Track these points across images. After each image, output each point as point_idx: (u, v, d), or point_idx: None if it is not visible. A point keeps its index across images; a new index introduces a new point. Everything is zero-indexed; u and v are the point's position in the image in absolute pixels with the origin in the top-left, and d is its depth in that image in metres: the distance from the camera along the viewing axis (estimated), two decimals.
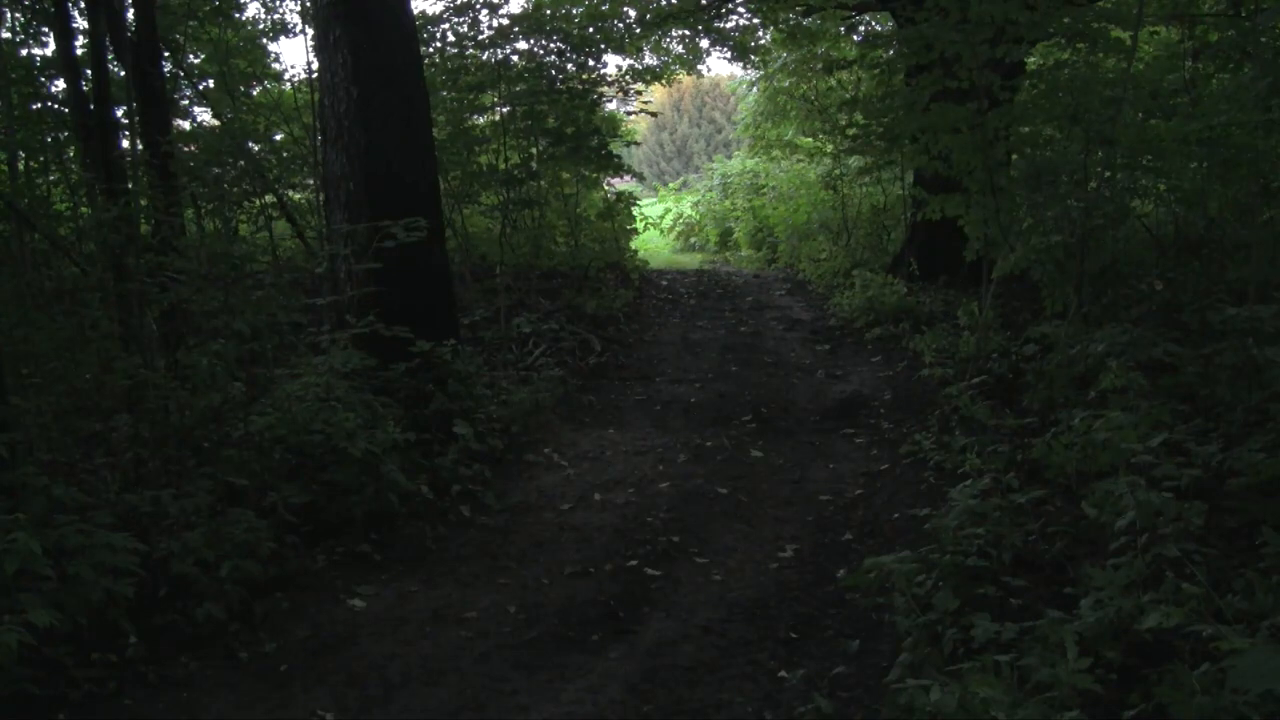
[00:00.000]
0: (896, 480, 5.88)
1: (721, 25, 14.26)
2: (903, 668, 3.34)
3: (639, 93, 14.00)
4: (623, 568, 4.86)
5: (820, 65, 15.23)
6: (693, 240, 22.07)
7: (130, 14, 6.92)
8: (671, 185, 26.88)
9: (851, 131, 12.80)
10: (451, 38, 11.44)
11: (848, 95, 15.06)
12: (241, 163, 9.60)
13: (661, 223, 21.36)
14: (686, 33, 14.46)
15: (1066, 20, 7.39)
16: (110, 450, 5.06)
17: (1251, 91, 5.92)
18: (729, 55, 15.86)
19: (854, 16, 13.54)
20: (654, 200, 25.33)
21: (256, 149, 10.57)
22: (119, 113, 7.15)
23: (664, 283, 14.11)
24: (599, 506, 5.74)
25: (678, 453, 6.68)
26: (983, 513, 4.27)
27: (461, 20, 11.34)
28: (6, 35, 8.50)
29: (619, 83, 13.44)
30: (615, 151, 12.62)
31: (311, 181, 9.95)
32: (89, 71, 6.74)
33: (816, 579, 4.64)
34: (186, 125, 11.41)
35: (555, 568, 4.88)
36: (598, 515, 5.60)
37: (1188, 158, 6.76)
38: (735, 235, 20.60)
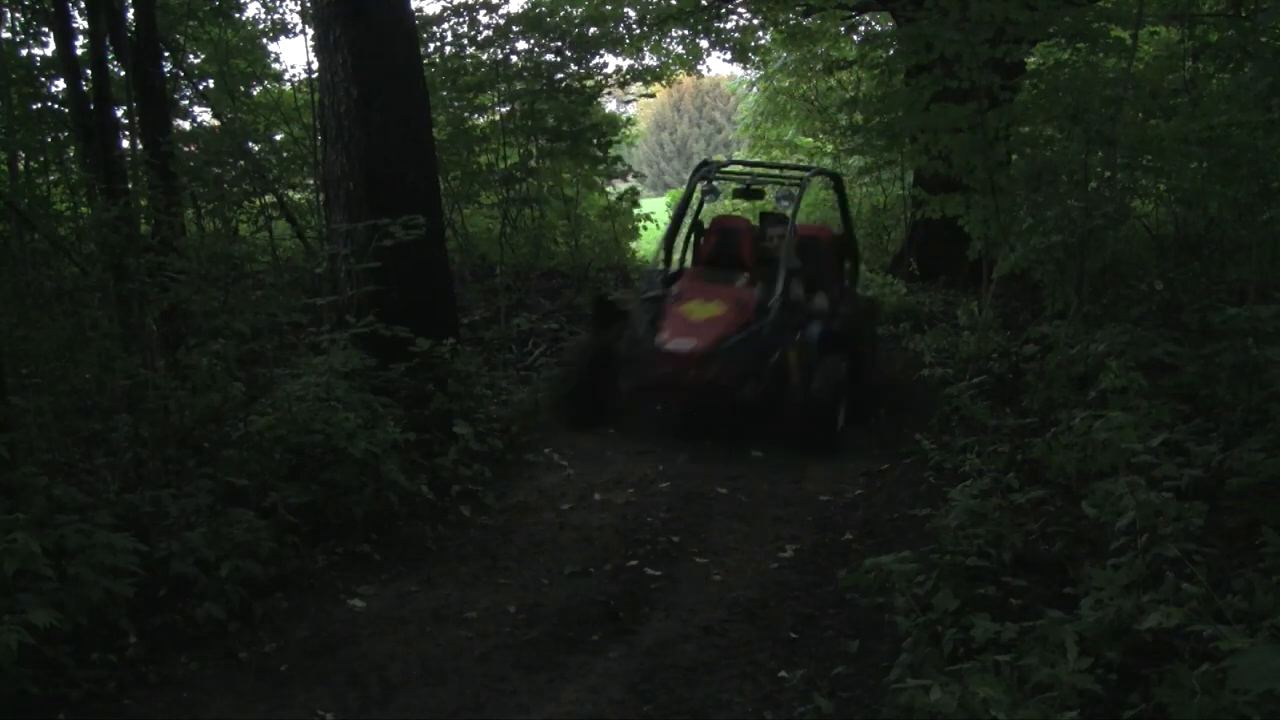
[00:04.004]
0: (896, 480, 5.88)
1: (721, 25, 14.28)
2: (903, 668, 3.34)
3: (640, 95, 14.00)
4: (623, 568, 4.86)
5: (820, 65, 15.25)
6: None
7: (130, 14, 6.92)
8: (673, 193, 26.92)
9: (856, 139, 12.81)
10: (451, 38, 11.46)
11: (848, 95, 15.08)
12: (241, 163, 9.60)
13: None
14: (686, 33, 14.47)
15: (1066, 20, 7.41)
16: (110, 450, 5.06)
17: (1251, 91, 5.91)
18: (729, 55, 15.90)
19: (854, 16, 13.55)
20: (656, 195, 25.36)
21: (256, 149, 10.57)
22: (119, 113, 7.15)
23: None
24: (599, 506, 5.74)
25: (678, 453, 6.67)
26: (983, 513, 4.27)
27: (461, 20, 11.35)
28: (6, 35, 8.51)
29: (618, 80, 13.44)
30: (615, 153, 12.63)
31: (311, 181, 9.95)
32: (89, 71, 6.74)
33: (816, 579, 4.64)
34: (186, 125, 11.43)
35: (555, 568, 4.88)
36: (598, 515, 5.59)
37: (1188, 158, 6.77)
38: None
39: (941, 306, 9.79)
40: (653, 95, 17.19)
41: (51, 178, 8.73)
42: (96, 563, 3.72)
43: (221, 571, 4.17)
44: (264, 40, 12.06)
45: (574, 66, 12.07)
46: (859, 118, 12.43)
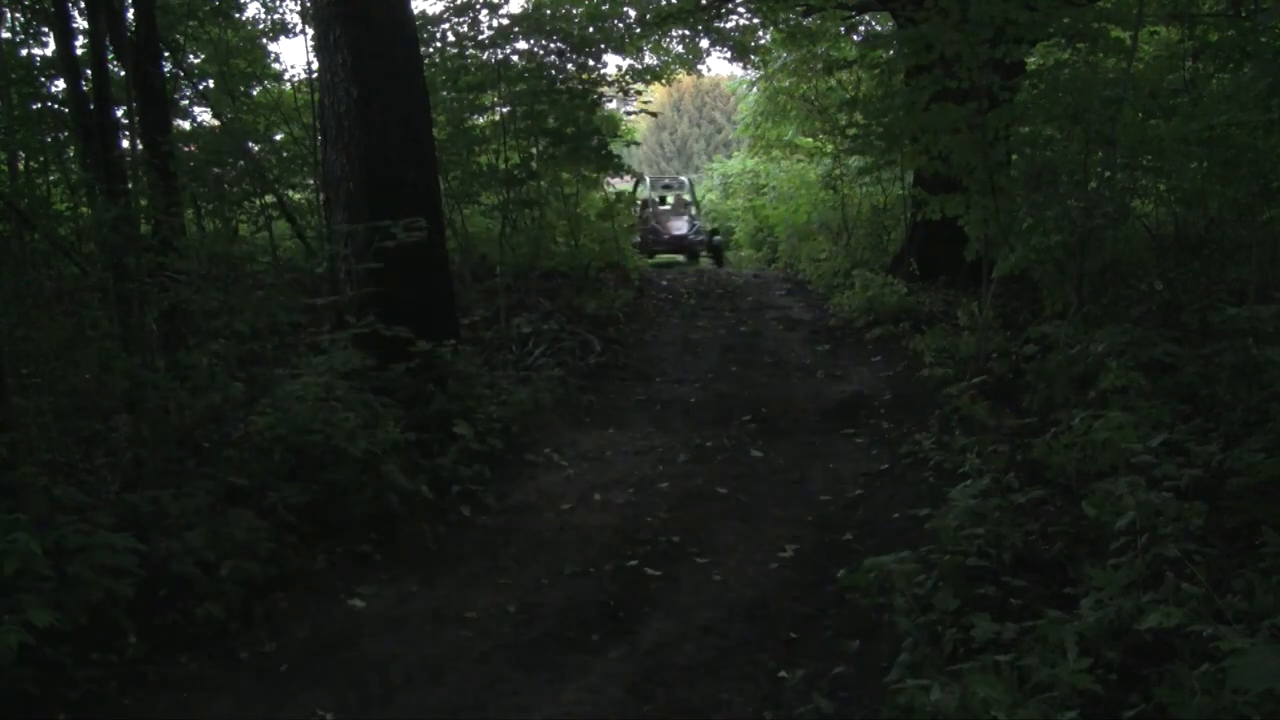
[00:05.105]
0: (896, 480, 5.87)
1: (721, 25, 14.27)
2: (902, 668, 3.34)
3: (639, 93, 13.99)
4: (623, 568, 4.86)
5: (820, 65, 15.24)
6: None
7: (130, 14, 6.92)
8: None
9: (852, 132, 12.81)
10: (451, 38, 11.45)
11: (848, 95, 15.07)
12: (241, 163, 9.60)
13: None
14: (686, 33, 14.46)
15: (1066, 20, 7.40)
16: (110, 450, 5.06)
17: (1251, 91, 5.91)
18: (729, 55, 15.87)
19: (854, 16, 13.55)
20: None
21: (256, 149, 10.56)
22: (119, 113, 7.14)
23: (664, 283, 14.11)
24: (599, 506, 5.74)
25: (678, 452, 6.67)
26: (983, 513, 4.27)
27: (461, 20, 11.34)
28: (6, 35, 8.51)
29: (619, 83, 13.45)
30: (615, 151, 12.62)
31: (311, 181, 9.94)
32: (89, 71, 6.74)
33: (816, 579, 4.63)
34: (186, 125, 11.43)
35: (555, 568, 4.88)
36: (598, 515, 5.59)
37: (1188, 158, 6.76)
38: (735, 235, 20.62)
39: (941, 306, 9.79)
40: (655, 114, 17.52)
41: (51, 178, 8.74)
42: (96, 563, 3.72)
43: (221, 571, 4.18)
44: (264, 40, 12.07)
45: (571, 67, 12.06)
46: (859, 118, 12.42)
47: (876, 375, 8.44)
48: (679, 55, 15.33)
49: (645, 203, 19.55)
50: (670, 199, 20.84)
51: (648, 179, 22.24)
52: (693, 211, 19.96)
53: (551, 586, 4.67)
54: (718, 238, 19.24)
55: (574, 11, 12.39)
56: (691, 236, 18.56)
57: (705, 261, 18.55)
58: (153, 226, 6.30)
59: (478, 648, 4.06)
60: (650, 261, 17.63)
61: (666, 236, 18.53)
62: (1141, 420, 4.44)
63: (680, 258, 18.76)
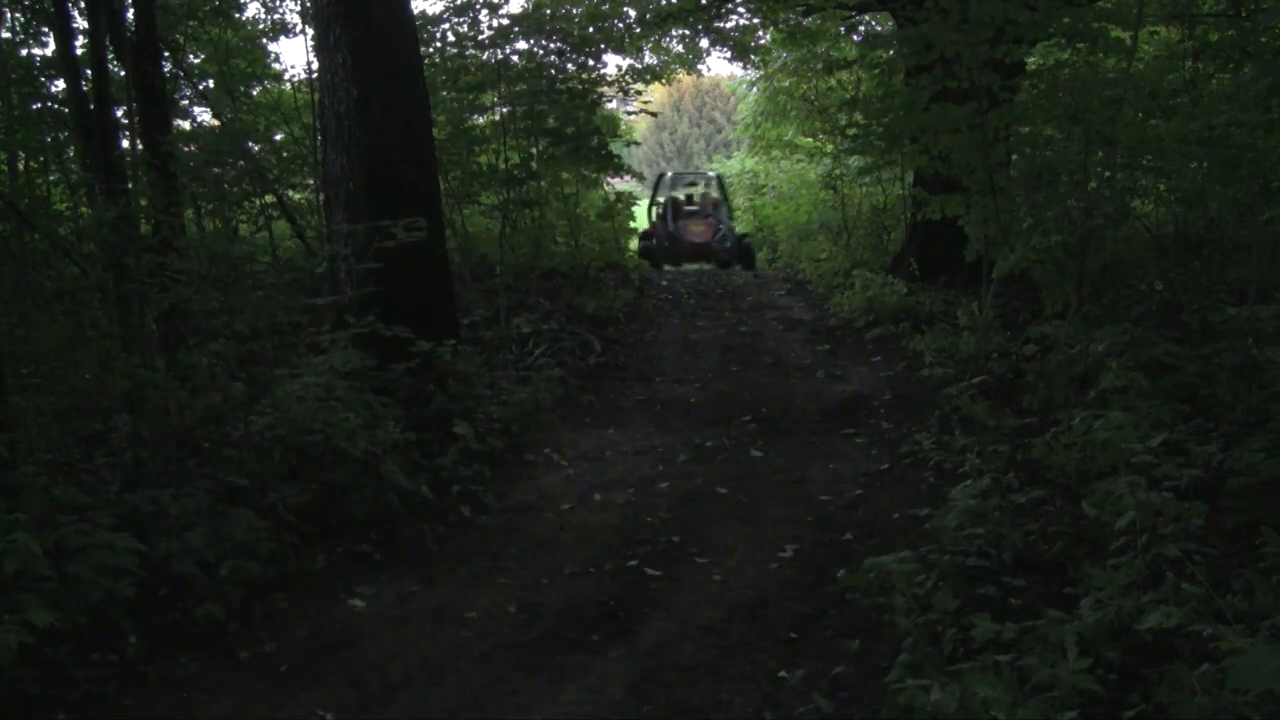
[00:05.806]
0: (896, 480, 5.88)
1: (721, 25, 14.27)
2: (902, 668, 3.34)
3: (639, 93, 14.00)
4: (623, 568, 4.86)
5: (820, 65, 15.24)
6: None
7: (130, 14, 6.92)
8: None
9: (852, 132, 12.81)
10: (451, 38, 11.45)
11: (848, 95, 15.07)
12: (241, 163, 9.59)
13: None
14: (686, 33, 14.46)
15: (1066, 20, 7.40)
16: (110, 450, 5.06)
17: (1251, 91, 5.91)
18: (729, 55, 15.82)
19: (854, 16, 13.55)
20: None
21: (256, 149, 10.56)
22: (119, 113, 7.15)
23: (664, 282, 14.09)
24: (599, 506, 5.74)
25: (678, 453, 6.67)
26: (983, 513, 4.27)
27: (461, 20, 11.34)
28: (6, 35, 8.51)
29: (619, 83, 13.46)
30: (615, 151, 12.62)
31: (311, 181, 9.94)
32: (89, 71, 6.74)
33: (816, 579, 4.64)
34: (186, 125, 11.43)
35: (555, 568, 4.88)
36: (598, 515, 5.59)
37: (1188, 158, 6.76)
38: None
39: (941, 306, 9.78)
40: (655, 114, 17.14)
41: (51, 178, 8.74)
42: (96, 563, 3.72)
43: (221, 571, 4.18)
44: (264, 40, 12.08)
45: (571, 67, 12.07)
46: (859, 118, 12.42)
47: (876, 375, 8.44)
48: (679, 55, 15.33)
49: (667, 203, 17.39)
50: (697, 198, 18.45)
51: (669, 175, 20.36)
52: (722, 213, 17.56)
53: (551, 586, 4.67)
54: (747, 239, 17.19)
55: (574, 11, 12.39)
56: (716, 243, 16.40)
57: (734, 269, 16.25)
58: (153, 226, 6.30)
59: (478, 648, 4.06)
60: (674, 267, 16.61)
61: (688, 243, 16.53)
62: (1141, 420, 4.43)
63: (704, 265, 16.67)
